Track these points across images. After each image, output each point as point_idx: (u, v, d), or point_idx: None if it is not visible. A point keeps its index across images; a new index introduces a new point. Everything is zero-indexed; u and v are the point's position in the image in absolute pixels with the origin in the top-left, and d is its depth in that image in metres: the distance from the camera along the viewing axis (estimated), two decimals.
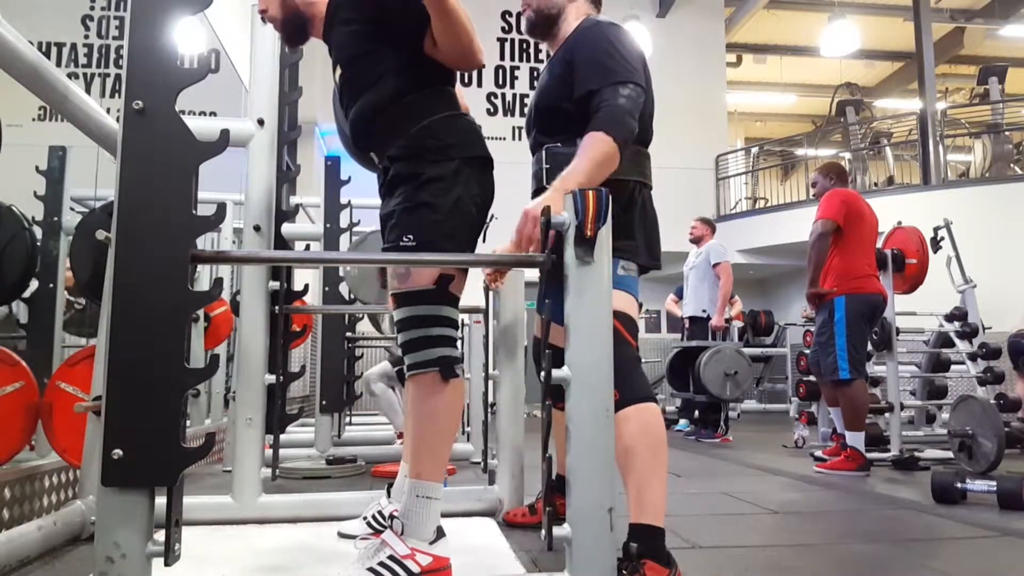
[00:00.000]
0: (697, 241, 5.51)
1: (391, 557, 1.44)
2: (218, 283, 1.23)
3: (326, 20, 1.72)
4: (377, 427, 5.13)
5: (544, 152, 1.76)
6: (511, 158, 4.16)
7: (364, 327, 5.57)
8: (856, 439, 3.46)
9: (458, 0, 1.51)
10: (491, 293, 2.50)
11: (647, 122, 1.74)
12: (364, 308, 3.85)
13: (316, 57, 1.77)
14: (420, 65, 1.60)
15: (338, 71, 1.71)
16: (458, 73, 1.70)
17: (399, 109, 1.59)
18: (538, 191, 1.78)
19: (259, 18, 1.81)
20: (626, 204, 1.68)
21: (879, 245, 4.00)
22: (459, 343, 1.61)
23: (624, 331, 1.56)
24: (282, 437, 2.36)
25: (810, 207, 3.87)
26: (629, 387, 1.51)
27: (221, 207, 1.19)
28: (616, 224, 1.55)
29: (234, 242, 3.89)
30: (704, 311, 5.36)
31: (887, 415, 3.89)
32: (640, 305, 1.74)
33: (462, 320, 3.51)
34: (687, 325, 5.57)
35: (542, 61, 9.83)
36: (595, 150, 1.53)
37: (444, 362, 1.52)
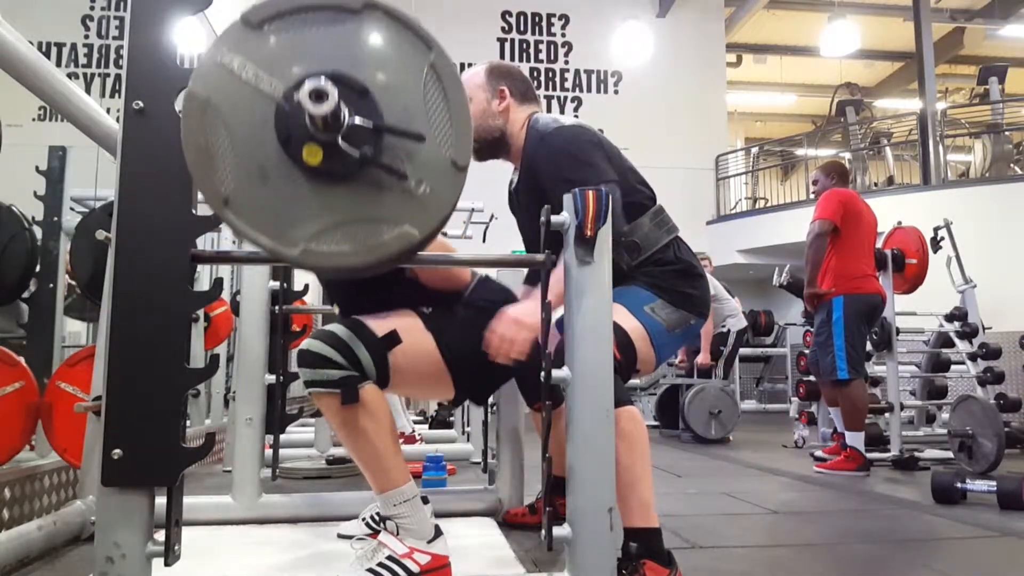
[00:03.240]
0: None
1: (390, 557, 1.44)
2: (218, 283, 1.22)
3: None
4: None
5: None
6: None
7: None
8: (856, 439, 3.46)
9: (426, 259, 1.38)
10: None
11: (634, 183, 1.74)
12: None
13: None
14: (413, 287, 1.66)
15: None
16: None
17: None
18: None
19: None
20: (672, 261, 1.71)
21: (879, 245, 4.00)
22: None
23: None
24: (282, 437, 2.36)
25: (810, 207, 3.86)
26: None
27: None
28: (669, 275, 1.68)
29: (234, 242, 3.89)
30: None
31: (887, 415, 3.89)
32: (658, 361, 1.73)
33: None
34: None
35: (542, 61, 9.82)
36: None
37: (346, 382, 1.46)
